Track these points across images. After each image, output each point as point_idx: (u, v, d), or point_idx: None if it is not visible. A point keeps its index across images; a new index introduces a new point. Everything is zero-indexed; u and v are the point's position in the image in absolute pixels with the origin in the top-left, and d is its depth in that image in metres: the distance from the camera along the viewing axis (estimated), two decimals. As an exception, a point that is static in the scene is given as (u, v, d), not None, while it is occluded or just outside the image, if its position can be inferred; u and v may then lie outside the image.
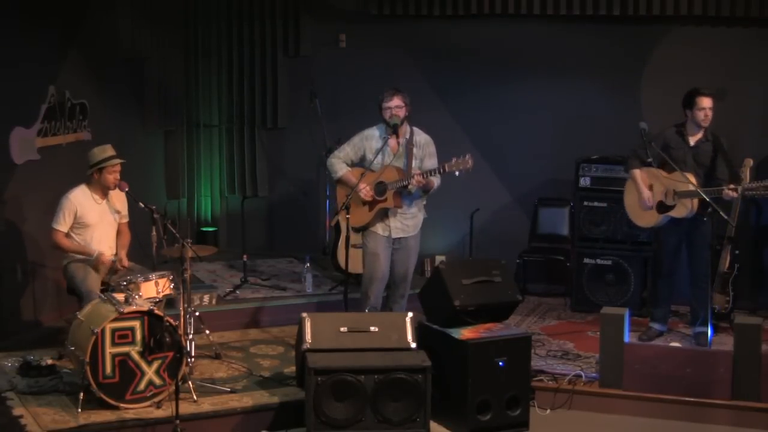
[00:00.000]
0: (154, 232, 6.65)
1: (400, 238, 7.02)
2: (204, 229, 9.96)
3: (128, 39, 8.87)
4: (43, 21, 7.64)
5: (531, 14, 8.70)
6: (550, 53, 8.86)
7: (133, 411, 6.05)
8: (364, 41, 9.37)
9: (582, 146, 8.52)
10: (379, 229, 7.00)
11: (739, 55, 8.39)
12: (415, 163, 6.90)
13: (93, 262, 6.84)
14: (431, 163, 6.97)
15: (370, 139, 7.00)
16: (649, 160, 7.10)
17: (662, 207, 7.20)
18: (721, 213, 6.74)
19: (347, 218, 6.79)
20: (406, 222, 7.04)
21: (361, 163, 7.05)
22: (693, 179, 7.01)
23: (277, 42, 9.61)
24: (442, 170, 6.79)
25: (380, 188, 6.92)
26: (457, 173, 6.77)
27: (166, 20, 9.40)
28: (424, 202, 7.10)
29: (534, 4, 8.66)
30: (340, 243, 8.24)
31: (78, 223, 6.85)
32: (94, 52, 8.35)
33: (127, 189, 6.86)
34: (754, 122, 8.37)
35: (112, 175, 6.84)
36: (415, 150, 6.92)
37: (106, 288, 6.67)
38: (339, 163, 7.03)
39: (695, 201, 7.01)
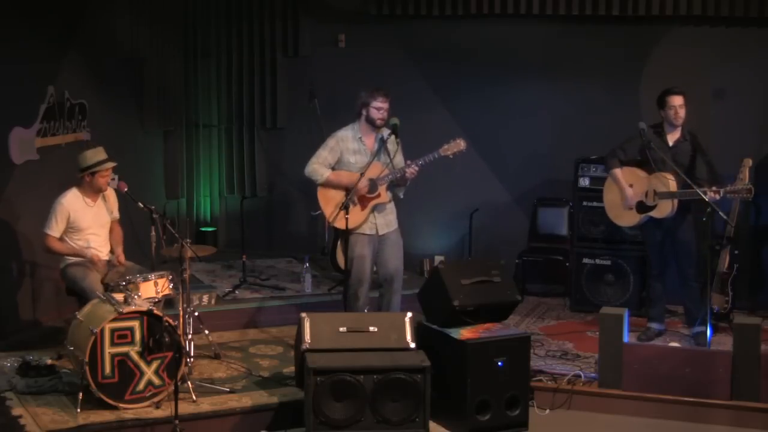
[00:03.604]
0: (153, 232, 6.65)
1: (384, 234, 7.06)
2: (203, 229, 9.96)
3: (127, 39, 8.87)
4: (42, 21, 7.64)
5: (531, 14, 8.70)
6: (550, 53, 8.86)
7: (132, 411, 6.05)
8: (364, 41, 9.37)
9: (581, 146, 8.52)
10: (366, 228, 7.03)
11: (739, 55, 8.39)
12: (391, 157, 6.97)
13: (87, 259, 6.83)
14: (401, 156, 7.04)
15: (345, 140, 7.05)
16: (638, 159, 7.15)
17: (642, 207, 7.21)
18: (720, 213, 6.76)
19: (346, 218, 6.79)
20: (388, 217, 7.11)
21: (337, 166, 7.06)
22: (673, 179, 7.03)
23: (276, 42, 9.62)
24: (437, 156, 6.86)
25: (371, 186, 6.95)
26: (451, 156, 6.90)
27: (165, 20, 9.40)
28: (401, 196, 7.15)
29: (534, 4, 8.66)
30: (338, 243, 8.23)
31: (71, 227, 6.84)
32: (93, 53, 8.35)
33: (126, 189, 6.85)
34: (753, 122, 8.36)
35: (105, 179, 6.83)
36: (388, 144, 6.97)
37: (105, 288, 6.67)
38: (321, 168, 7.03)
39: (675, 201, 7.04)
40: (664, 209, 7.11)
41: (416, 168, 6.85)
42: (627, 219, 7.36)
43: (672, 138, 7.21)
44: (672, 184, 7.05)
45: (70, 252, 6.86)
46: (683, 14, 8.35)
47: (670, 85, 7.26)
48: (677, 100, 7.11)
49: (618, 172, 7.32)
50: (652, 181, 7.13)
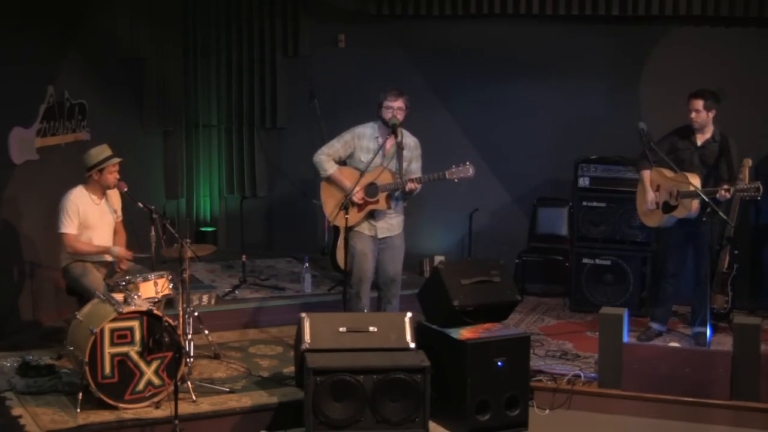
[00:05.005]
0: (153, 232, 6.64)
1: (385, 238, 7.04)
2: (203, 229, 9.96)
3: (127, 39, 8.87)
4: (42, 21, 7.64)
5: (531, 14, 8.70)
6: (550, 53, 8.86)
7: (132, 411, 6.05)
8: (364, 41, 9.37)
9: (581, 146, 8.52)
10: (365, 229, 7.02)
11: (739, 55, 8.39)
12: (404, 166, 6.92)
13: (114, 256, 6.79)
14: (417, 165, 7.02)
15: (362, 137, 6.99)
16: (655, 160, 7.15)
17: (667, 207, 7.21)
18: (720, 213, 6.76)
19: (345, 219, 6.78)
20: (391, 221, 7.07)
21: (349, 161, 7.04)
22: (696, 179, 7.01)
23: (276, 42, 9.62)
24: (441, 176, 6.83)
25: (371, 190, 6.92)
26: (456, 180, 6.84)
27: (165, 20, 9.40)
28: (405, 204, 7.13)
29: (534, 4, 8.66)
30: (338, 243, 8.20)
31: (80, 225, 6.81)
32: (93, 52, 8.35)
33: (125, 189, 6.85)
34: (753, 122, 8.36)
35: (113, 175, 6.82)
36: (405, 152, 6.93)
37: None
38: (328, 161, 7.01)
39: (695, 201, 7.01)
40: (685, 209, 7.08)
41: (417, 184, 6.83)
42: (653, 219, 7.36)
43: (701, 138, 7.17)
44: (691, 184, 7.00)
45: (94, 251, 6.80)
46: (683, 14, 8.35)
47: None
48: (694, 104, 7.06)
49: (646, 173, 7.31)
50: (676, 181, 7.10)
